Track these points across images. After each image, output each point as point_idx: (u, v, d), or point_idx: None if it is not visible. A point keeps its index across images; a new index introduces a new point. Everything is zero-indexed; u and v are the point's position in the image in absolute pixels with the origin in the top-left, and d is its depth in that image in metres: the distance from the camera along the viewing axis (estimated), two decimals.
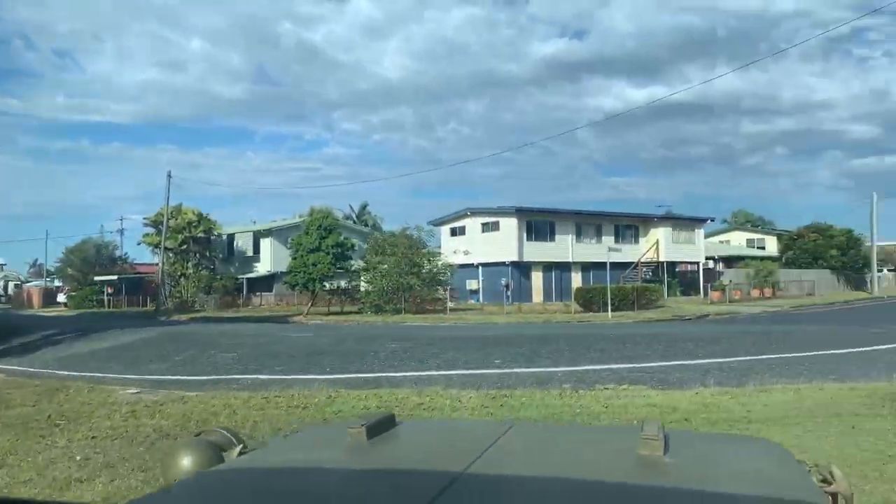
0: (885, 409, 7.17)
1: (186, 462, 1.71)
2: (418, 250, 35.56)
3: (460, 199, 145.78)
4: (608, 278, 31.65)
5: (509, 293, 39.12)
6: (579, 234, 45.22)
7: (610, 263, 43.73)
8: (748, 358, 12.79)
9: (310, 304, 37.48)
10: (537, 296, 41.90)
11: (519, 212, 41.62)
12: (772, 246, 61.85)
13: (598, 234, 46.11)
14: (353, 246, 37.75)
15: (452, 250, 43.36)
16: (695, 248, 48.64)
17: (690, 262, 49.35)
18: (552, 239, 43.67)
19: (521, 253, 41.34)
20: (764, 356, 13.01)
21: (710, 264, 55.30)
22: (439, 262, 36.69)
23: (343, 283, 39.42)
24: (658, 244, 46.73)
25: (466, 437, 1.83)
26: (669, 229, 47.43)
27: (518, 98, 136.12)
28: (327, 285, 38.16)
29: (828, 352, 13.34)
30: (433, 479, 1.27)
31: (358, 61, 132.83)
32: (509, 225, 41.88)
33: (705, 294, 41.13)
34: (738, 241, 67.68)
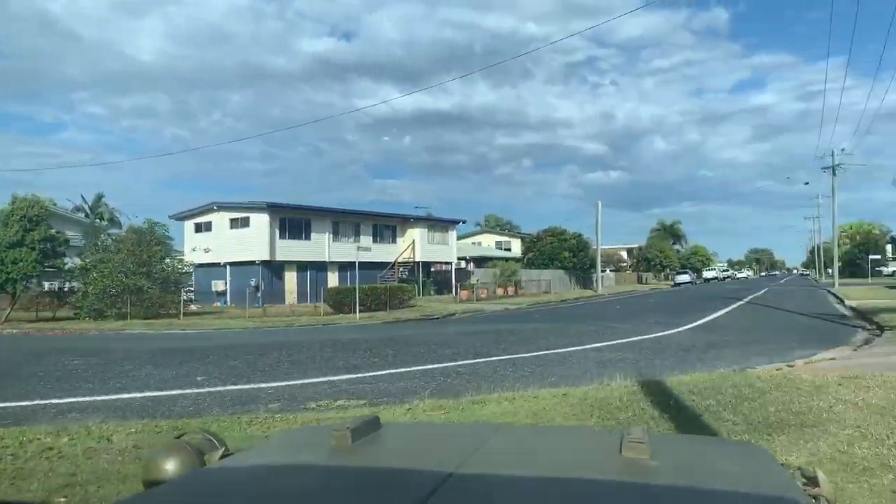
0: (593, 419, 6.72)
1: (167, 465, 1.62)
2: (149, 247, 31.39)
3: (224, 194, 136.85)
4: (357, 278, 30.72)
5: (259, 295, 36.53)
6: (337, 233, 44.04)
7: (369, 263, 43.41)
8: (478, 360, 12.36)
9: (9, 308, 31.22)
10: (291, 297, 39.75)
11: (271, 207, 39.15)
12: (517, 248, 66.69)
13: (357, 233, 45.40)
14: (66, 241, 32.24)
15: (196, 248, 39.50)
16: (448, 249, 50.19)
17: (444, 262, 50.85)
18: (308, 237, 41.86)
19: (273, 251, 38.91)
20: (493, 357, 12.70)
21: (463, 264, 57.80)
22: (175, 261, 32.87)
23: (65, 285, 33.57)
24: (414, 244, 47.37)
25: (452, 440, 1.86)
26: (425, 230, 48.34)
27: (286, 93, 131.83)
28: (46, 285, 32.18)
29: (551, 351, 13.47)
30: (419, 482, 1.25)
31: (107, 39, 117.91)
32: (260, 221, 39.21)
33: (456, 293, 42.35)
34: (488, 243, 72.06)
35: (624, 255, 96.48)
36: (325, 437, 1.65)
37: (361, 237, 45.50)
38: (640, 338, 15.61)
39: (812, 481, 1.48)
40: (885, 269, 71.50)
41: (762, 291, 44.19)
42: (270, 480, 1.41)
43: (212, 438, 1.75)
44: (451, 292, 45.56)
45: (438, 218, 50.84)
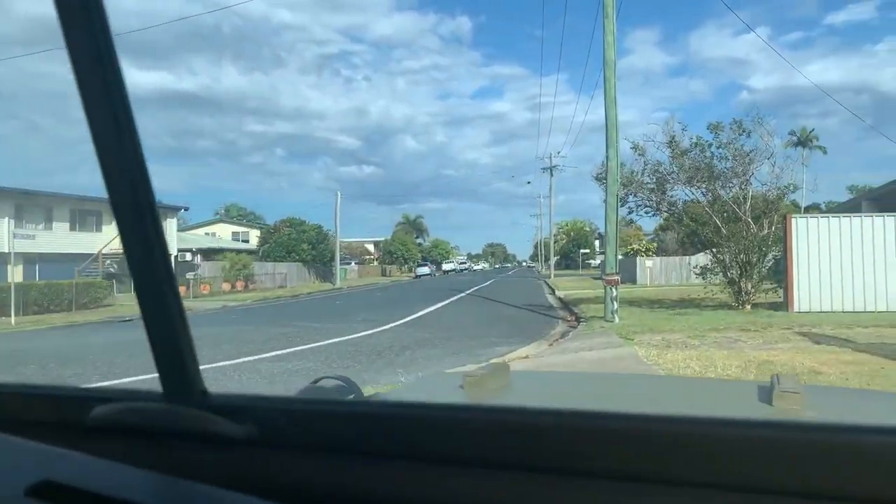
0: None
1: None
2: None
3: None
4: (11, 273, 25.09)
5: None
6: (21, 219, 36.45)
7: (64, 255, 36.63)
8: (104, 384, 9.37)
9: None
10: None
11: None
12: (255, 239, 62.53)
13: (49, 218, 38.29)
14: None
15: None
16: (167, 239, 44.64)
17: None
18: None
19: None
20: (133, 377, 9.78)
21: (189, 257, 52.29)
22: None
23: None
24: None
25: (583, 389, 1.83)
26: None
27: None
28: None
29: (221, 364, 10.94)
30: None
31: None
32: None
33: None
34: (224, 234, 66.96)
35: (371, 247, 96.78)
36: (457, 382, 1.69)
37: (55, 223, 38.50)
38: (338, 339, 13.77)
39: None
40: (594, 262, 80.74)
41: (488, 283, 46.15)
42: None
43: (346, 383, 1.78)
44: None
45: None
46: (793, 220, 15.61)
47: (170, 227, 45.23)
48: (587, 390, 1.76)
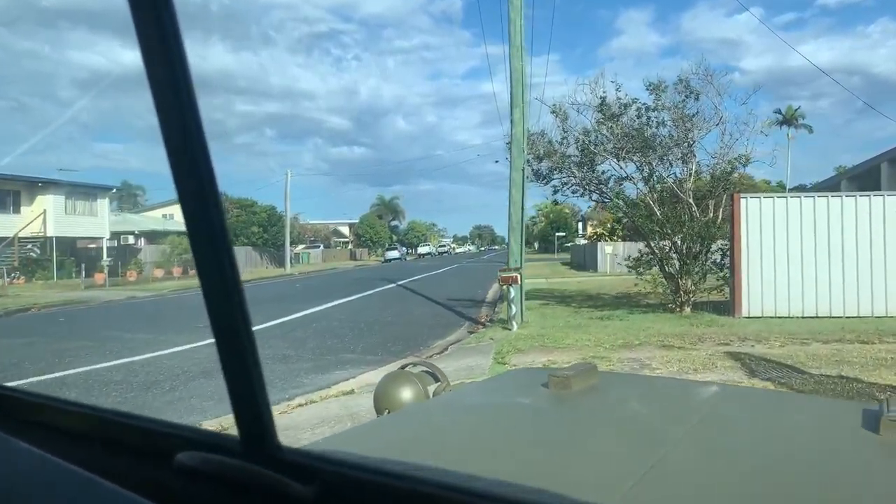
0: None
1: (399, 394, 1.74)
2: None
3: None
4: None
5: None
6: None
7: None
8: None
9: None
10: None
11: None
12: None
13: None
14: None
15: None
16: (97, 221, 41.17)
17: (95, 238, 41.77)
18: None
19: None
20: None
21: (132, 240, 48.95)
22: None
23: None
24: (46, 215, 37.72)
25: (672, 397, 1.74)
26: (62, 198, 38.83)
27: None
28: None
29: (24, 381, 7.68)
30: (637, 436, 1.17)
31: None
32: None
33: (84, 276, 33.99)
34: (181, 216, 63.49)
35: (346, 230, 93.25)
36: (542, 380, 1.64)
37: None
38: (109, 364, 10.00)
39: None
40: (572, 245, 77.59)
41: (445, 268, 42.97)
42: (485, 416, 1.42)
43: (432, 371, 1.83)
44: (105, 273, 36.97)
45: (81, 183, 41.28)
46: (742, 201, 12.30)
47: (101, 208, 41.80)
48: (675, 397, 1.66)
